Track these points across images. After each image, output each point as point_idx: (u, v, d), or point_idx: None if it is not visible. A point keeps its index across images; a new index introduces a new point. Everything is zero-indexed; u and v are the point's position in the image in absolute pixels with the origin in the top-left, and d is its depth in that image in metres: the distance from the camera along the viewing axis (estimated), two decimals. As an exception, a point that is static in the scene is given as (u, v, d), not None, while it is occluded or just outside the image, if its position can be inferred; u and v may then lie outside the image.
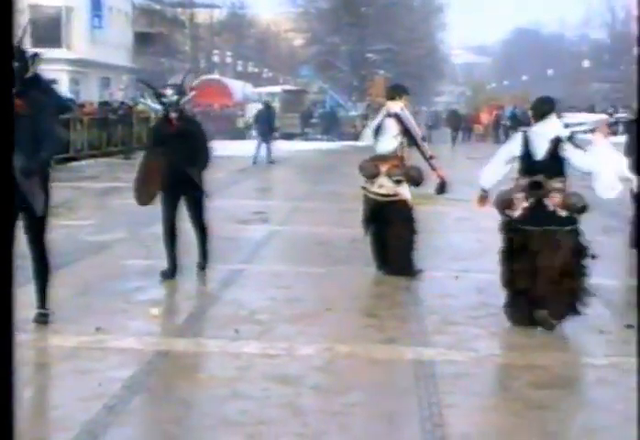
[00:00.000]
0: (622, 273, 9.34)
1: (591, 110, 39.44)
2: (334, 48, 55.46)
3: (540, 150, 6.50)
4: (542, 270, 6.41)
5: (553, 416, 4.74)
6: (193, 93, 10.09)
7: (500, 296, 7.14)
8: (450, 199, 11.37)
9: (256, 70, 77.14)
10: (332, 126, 39.44)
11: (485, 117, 45.27)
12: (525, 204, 6.50)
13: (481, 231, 11.19)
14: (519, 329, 6.58)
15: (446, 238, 11.12)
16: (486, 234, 10.74)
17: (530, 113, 7.01)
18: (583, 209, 6.49)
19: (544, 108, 6.70)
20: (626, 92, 65.94)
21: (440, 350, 5.97)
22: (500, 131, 42.49)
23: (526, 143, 6.57)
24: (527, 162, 6.56)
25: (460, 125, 43.20)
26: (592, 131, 13.76)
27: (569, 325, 6.59)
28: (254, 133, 33.55)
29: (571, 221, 6.48)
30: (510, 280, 6.64)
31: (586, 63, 74.80)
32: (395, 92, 8.78)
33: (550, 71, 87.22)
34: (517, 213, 6.53)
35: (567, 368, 5.67)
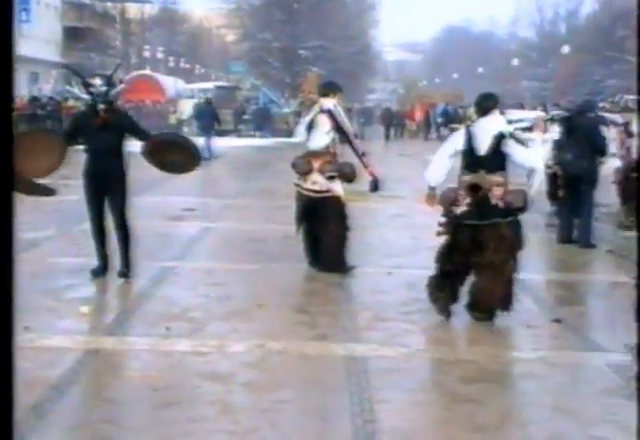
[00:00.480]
0: (549, 268, 9.52)
1: (521, 108, 40.00)
2: (266, 44, 55.35)
3: (483, 145, 6.60)
4: (483, 266, 6.52)
5: (482, 410, 4.80)
6: (122, 85, 9.93)
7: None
8: (384, 196, 11.44)
9: (188, 66, 76.60)
10: (265, 122, 39.33)
11: (419, 115, 45.63)
12: (468, 201, 6.59)
13: (414, 227, 11.29)
14: (448, 324, 6.66)
15: (380, 235, 11.18)
16: (419, 230, 10.84)
17: (473, 109, 7.10)
18: (522, 209, 6.64)
19: (487, 104, 6.80)
20: (554, 89, 67.12)
21: (372, 346, 6.00)
22: (431, 129, 42.90)
23: (470, 138, 6.66)
24: (470, 157, 6.65)
25: (393, 122, 43.48)
26: (531, 128, 14.05)
27: (498, 320, 6.69)
28: (185, 129, 33.35)
29: (511, 212, 6.60)
30: (441, 262, 6.76)
31: (515, 61, 75.77)
32: (328, 89, 8.80)
33: (480, 69, 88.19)
34: (461, 209, 6.61)
35: (495, 362, 5.75)
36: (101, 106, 7.76)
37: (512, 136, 6.65)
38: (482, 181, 6.56)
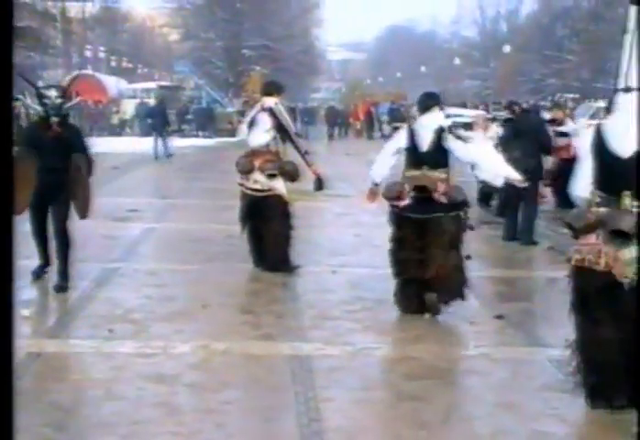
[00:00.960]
0: (491, 265, 9.60)
1: (463, 106, 40.34)
2: (209, 43, 54.99)
3: (425, 141, 6.75)
4: (431, 257, 6.65)
5: (427, 407, 4.84)
6: (78, 98, 9.71)
7: (374, 290, 7.26)
8: (328, 194, 11.45)
9: (130, 65, 75.83)
10: (208, 122, 39.15)
11: (362, 113, 45.67)
12: (412, 194, 6.73)
13: (359, 226, 11.33)
14: (392, 322, 6.71)
15: (325, 234, 11.19)
16: (364, 229, 10.88)
17: (416, 107, 7.20)
18: (464, 203, 6.83)
19: (429, 102, 6.97)
20: (495, 88, 67.82)
21: (316, 345, 6.01)
22: (375, 127, 43.01)
23: (412, 136, 6.81)
24: (413, 154, 6.80)
25: (337, 120, 43.50)
26: (470, 126, 14.12)
27: (441, 317, 6.75)
28: (127, 130, 33.10)
29: (455, 207, 6.75)
30: (398, 270, 6.88)
31: (457, 61, 76.33)
32: (271, 88, 8.79)
33: (423, 68, 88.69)
34: (404, 202, 6.72)
35: (439, 359, 5.79)
36: (54, 119, 7.48)
37: (450, 131, 6.77)
38: (426, 180, 6.68)
